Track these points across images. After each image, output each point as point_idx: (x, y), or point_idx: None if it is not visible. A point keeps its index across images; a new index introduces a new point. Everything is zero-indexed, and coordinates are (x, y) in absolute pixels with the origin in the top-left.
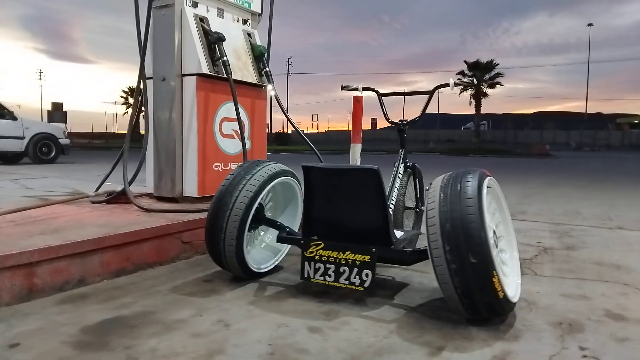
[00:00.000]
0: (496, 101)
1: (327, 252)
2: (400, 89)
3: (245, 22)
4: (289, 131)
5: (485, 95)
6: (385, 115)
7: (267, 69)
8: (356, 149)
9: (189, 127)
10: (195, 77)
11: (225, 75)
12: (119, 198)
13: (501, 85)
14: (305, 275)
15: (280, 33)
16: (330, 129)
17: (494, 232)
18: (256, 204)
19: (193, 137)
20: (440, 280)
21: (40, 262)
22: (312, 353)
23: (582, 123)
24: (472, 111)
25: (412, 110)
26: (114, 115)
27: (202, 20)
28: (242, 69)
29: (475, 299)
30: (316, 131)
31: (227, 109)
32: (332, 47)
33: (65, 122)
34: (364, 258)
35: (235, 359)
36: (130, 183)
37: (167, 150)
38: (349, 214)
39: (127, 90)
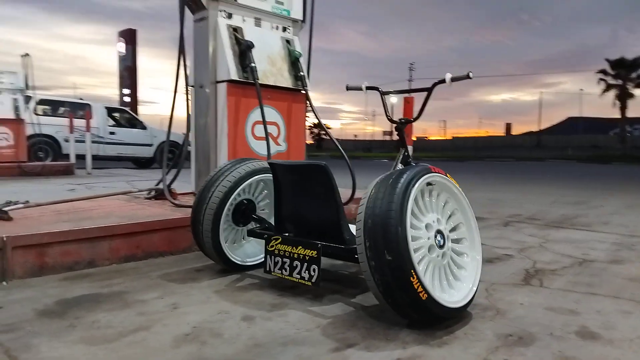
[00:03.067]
0: None
1: (284, 246)
2: (537, 92)
3: (285, 29)
4: (414, 138)
5: (632, 95)
6: (386, 113)
7: (302, 73)
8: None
9: (221, 130)
10: (225, 83)
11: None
12: (164, 195)
13: None
14: (267, 269)
15: (406, 38)
16: (455, 135)
17: (440, 233)
18: (231, 199)
19: (224, 139)
20: (366, 277)
21: (51, 244)
22: (224, 337)
23: None
24: (628, 114)
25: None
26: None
27: (235, 30)
28: (276, 74)
29: (397, 299)
30: (443, 137)
31: (259, 113)
32: (464, 50)
33: None
34: (312, 253)
35: (154, 335)
36: (171, 182)
37: (204, 152)
38: (305, 210)
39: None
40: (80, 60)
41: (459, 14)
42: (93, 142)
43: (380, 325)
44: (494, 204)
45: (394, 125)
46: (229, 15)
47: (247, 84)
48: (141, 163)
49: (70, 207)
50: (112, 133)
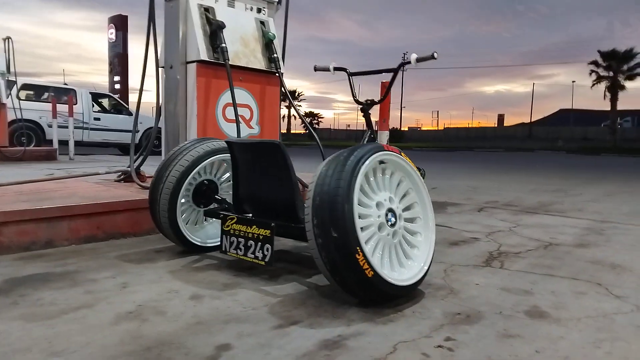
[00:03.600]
0: None
1: (239, 226)
2: (530, 83)
3: (259, 10)
4: (406, 128)
5: (623, 88)
6: (353, 95)
7: (275, 55)
8: (383, 136)
9: (191, 112)
10: (195, 63)
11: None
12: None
13: None
14: (223, 249)
15: (401, 28)
16: (448, 126)
17: (391, 211)
18: (189, 179)
19: (194, 121)
20: (314, 255)
21: (6, 223)
22: (167, 315)
23: None
24: (619, 107)
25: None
26: None
27: (207, 10)
28: (249, 56)
29: (344, 276)
30: (435, 128)
31: (230, 95)
32: (459, 40)
33: None
34: (265, 232)
35: (96, 312)
36: (140, 165)
37: (174, 135)
38: (262, 189)
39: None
40: (72, 47)
41: (454, 5)
42: (78, 127)
43: (330, 304)
44: (473, 191)
45: (360, 106)
46: None
47: (218, 65)
48: (127, 149)
49: (34, 188)
50: (97, 119)
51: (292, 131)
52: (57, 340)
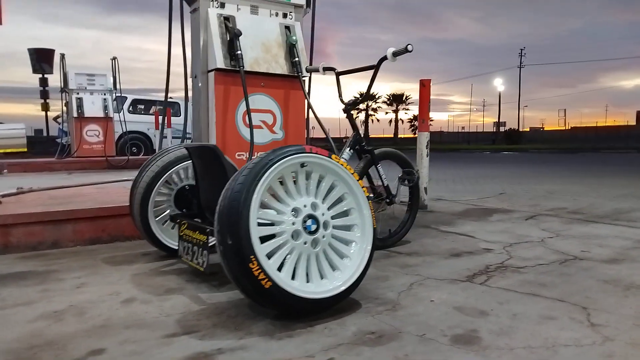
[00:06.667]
0: None
1: (188, 231)
2: None
3: (285, 15)
4: (527, 129)
5: None
6: (339, 95)
7: (297, 59)
8: (422, 137)
9: (211, 119)
10: (214, 72)
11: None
12: None
13: None
14: (179, 254)
15: (522, 22)
16: (575, 126)
17: (312, 217)
18: (159, 183)
19: (213, 128)
20: (222, 263)
21: (14, 225)
22: (83, 317)
23: None
24: None
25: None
26: (340, 119)
27: (226, 19)
28: (270, 61)
29: (244, 285)
30: (561, 128)
31: (251, 101)
32: (589, 32)
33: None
34: (203, 238)
35: (28, 310)
36: None
37: (199, 141)
38: (212, 192)
39: (352, 97)
40: None
41: None
42: (178, 137)
43: (246, 315)
44: (547, 196)
45: (343, 108)
46: (222, 5)
47: (236, 72)
48: None
49: (72, 193)
50: None
51: (399, 135)
52: None
